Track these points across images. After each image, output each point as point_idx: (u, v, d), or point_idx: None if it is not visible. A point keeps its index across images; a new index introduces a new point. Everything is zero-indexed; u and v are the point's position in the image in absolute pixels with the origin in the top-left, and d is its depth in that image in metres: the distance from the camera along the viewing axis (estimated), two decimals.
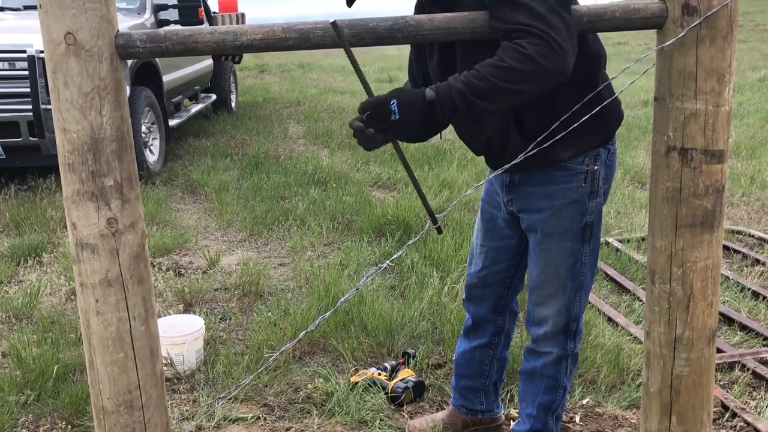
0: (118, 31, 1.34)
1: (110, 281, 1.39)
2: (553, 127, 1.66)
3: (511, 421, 2.49)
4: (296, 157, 6.71)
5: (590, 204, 1.96)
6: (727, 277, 3.70)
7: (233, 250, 4.40)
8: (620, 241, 4.24)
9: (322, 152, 7.02)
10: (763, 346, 3.05)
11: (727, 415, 2.53)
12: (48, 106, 5.09)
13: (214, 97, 9.09)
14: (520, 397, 2.27)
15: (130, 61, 5.80)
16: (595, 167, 1.93)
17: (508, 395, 2.67)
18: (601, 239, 4.22)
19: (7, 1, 6.98)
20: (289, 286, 3.76)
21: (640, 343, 2.96)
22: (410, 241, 1.62)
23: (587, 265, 2.02)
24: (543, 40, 1.53)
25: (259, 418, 2.59)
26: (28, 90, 5.20)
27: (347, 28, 1.38)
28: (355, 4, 1.83)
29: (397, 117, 1.59)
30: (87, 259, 1.38)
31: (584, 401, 2.65)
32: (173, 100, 7.35)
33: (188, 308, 3.52)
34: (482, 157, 2.09)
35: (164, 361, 2.80)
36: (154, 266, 4.01)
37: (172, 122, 7.10)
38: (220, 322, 3.36)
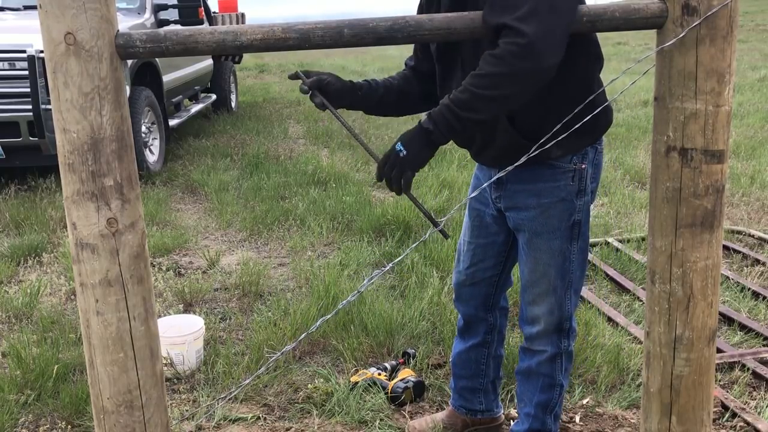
0: (118, 31, 1.34)
1: (110, 281, 1.38)
2: (555, 129, 1.66)
3: (511, 420, 2.49)
4: (296, 157, 6.71)
5: (578, 202, 1.97)
6: (727, 277, 3.70)
7: (233, 250, 4.40)
8: (620, 241, 4.24)
9: (322, 152, 7.03)
10: (763, 346, 3.05)
11: (727, 415, 2.53)
12: (48, 106, 5.09)
13: (214, 97, 9.10)
14: (518, 397, 2.27)
15: (130, 61, 5.80)
16: (583, 165, 1.94)
17: (508, 395, 2.67)
18: (601, 239, 4.25)
19: (7, 1, 6.98)
20: (289, 286, 3.76)
21: (640, 343, 2.96)
22: (413, 245, 1.62)
23: (576, 263, 2.03)
24: (518, 39, 1.54)
25: (259, 418, 2.59)
26: (28, 90, 5.20)
27: (347, 28, 1.38)
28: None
29: (404, 153, 1.68)
30: (87, 259, 1.38)
31: (584, 401, 2.65)
32: (173, 100, 7.35)
33: (188, 308, 3.52)
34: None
35: (164, 361, 2.80)
36: (154, 266, 4.01)
37: (172, 122, 7.10)
38: (220, 322, 3.37)
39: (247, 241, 4.55)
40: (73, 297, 3.62)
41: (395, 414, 2.60)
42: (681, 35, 1.41)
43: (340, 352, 2.99)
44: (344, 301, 1.56)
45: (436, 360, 2.92)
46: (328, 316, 1.63)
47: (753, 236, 4.37)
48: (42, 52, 4.99)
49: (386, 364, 2.81)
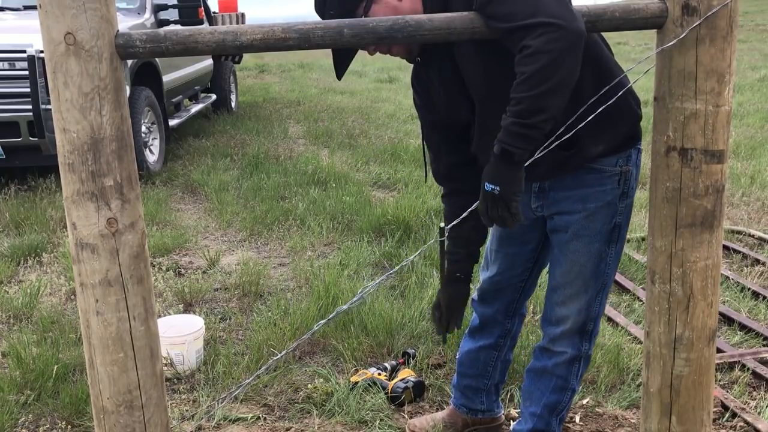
0: (118, 31, 1.34)
1: (110, 281, 1.39)
2: (569, 122, 1.64)
3: (511, 421, 2.49)
4: (296, 157, 6.71)
5: (621, 205, 1.94)
6: (727, 277, 3.70)
7: (233, 250, 4.40)
8: None
9: (322, 152, 7.02)
10: (763, 346, 3.05)
11: (727, 415, 2.53)
12: (48, 106, 5.09)
13: (214, 97, 9.10)
14: (524, 395, 2.26)
15: (130, 61, 5.80)
16: (628, 168, 1.92)
17: (508, 395, 2.67)
18: None
19: (7, 1, 6.98)
20: (289, 286, 3.76)
21: (640, 343, 2.96)
22: (420, 250, 1.62)
23: (611, 265, 2.01)
24: (539, 30, 1.52)
25: (259, 418, 2.59)
26: (28, 90, 5.20)
27: (347, 28, 1.38)
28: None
29: (497, 189, 1.64)
30: (87, 259, 1.38)
31: (584, 401, 2.65)
32: (173, 100, 7.35)
33: (188, 308, 3.52)
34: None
35: (164, 361, 2.80)
36: (154, 266, 4.01)
37: (172, 122, 7.10)
38: (220, 322, 3.36)
39: (247, 241, 4.55)
40: (73, 297, 3.62)
41: (395, 414, 2.60)
42: (681, 35, 1.41)
43: (340, 352, 2.99)
44: (345, 306, 1.56)
45: (436, 360, 2.92)
46: (329, 317, 1.63)
47: (753, 236, 4.36)
48: (42, 52, 4.99)
49: (386, 364, 2.81)
